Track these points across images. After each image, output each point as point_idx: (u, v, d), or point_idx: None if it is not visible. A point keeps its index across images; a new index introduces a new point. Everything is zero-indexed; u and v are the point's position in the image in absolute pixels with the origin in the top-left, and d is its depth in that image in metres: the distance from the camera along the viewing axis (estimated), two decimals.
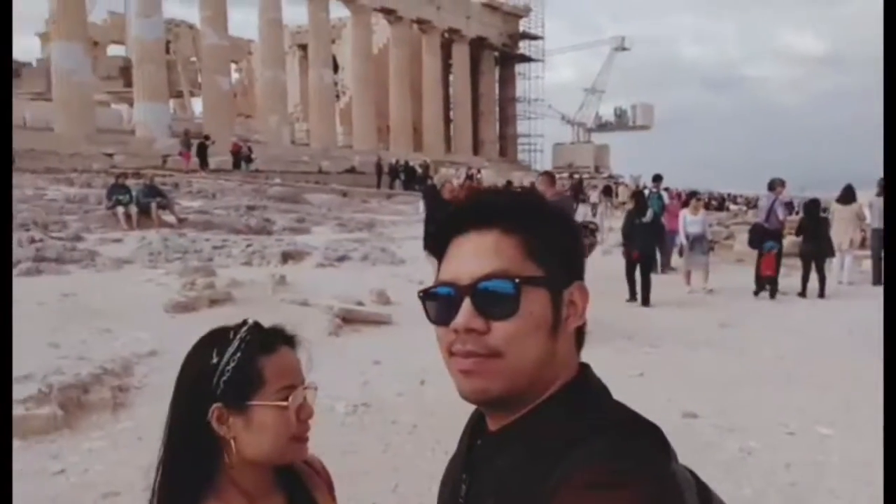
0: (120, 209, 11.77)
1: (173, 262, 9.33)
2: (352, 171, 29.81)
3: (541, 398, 0.77)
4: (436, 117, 41.34)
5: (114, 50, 40.44)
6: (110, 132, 25.97)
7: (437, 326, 0.78)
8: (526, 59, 50.96)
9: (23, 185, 13.90)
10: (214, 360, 1.03)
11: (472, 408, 0.85)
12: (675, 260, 11.96)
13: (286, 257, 10.51)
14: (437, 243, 0.81)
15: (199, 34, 31.13)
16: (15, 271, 7.97)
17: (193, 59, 37.58)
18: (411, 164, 30.00)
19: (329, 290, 8.21)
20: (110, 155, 21.79)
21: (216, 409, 1.02)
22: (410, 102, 38.88)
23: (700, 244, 9.99)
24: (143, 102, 26.31)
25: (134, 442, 4.07)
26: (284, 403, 1.02)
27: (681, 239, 10.25)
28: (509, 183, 19.04)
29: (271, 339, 1.06)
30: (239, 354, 1.03)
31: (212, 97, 29.01)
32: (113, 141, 24.08)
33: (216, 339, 1.06)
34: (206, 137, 24.54)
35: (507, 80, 50.90)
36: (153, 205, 12.17)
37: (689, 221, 10.04)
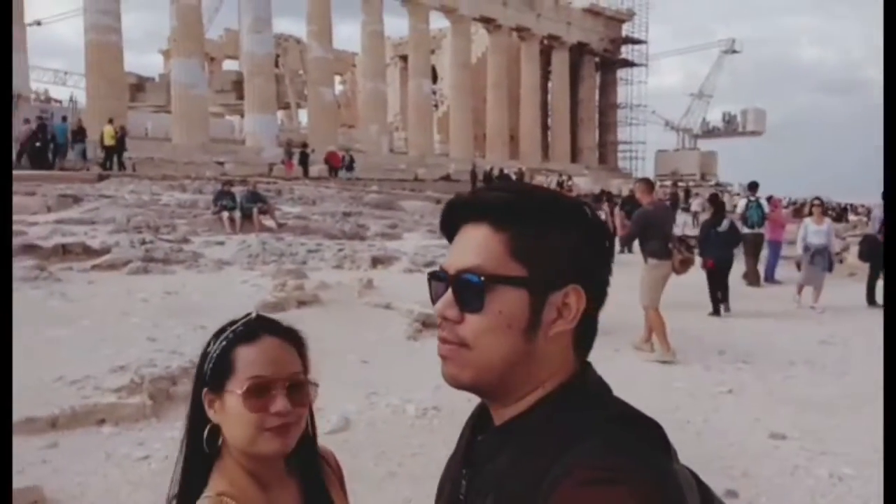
0: (224, 214, 12.44)
1: (269, 264, 9.74)
2: (447, 178, 30.12)
3: (537, 395, 0.77)
4: (533, 124, 41.11)
5: (229, 64, 42.93)
6: (223, 142, 27.55)
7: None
8: (628, 63, 49.77)
9: (140, 191, 14.97)
10: (209, 347, 1.08)
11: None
12: (780, 272, 11.28)
13: (375, 262, 10.74)
14: (446, 229, 0.82)
15: (306, 48, 32.48)
16: (125, 270, 8.59)
17: (301, 71, 39.26)
18: (505, 171, 29.96)
19: (414, 294, 8.30)
20: (221, 163, 23.09)
21: (205, 393, 1.07)
22: (507, 110, 38.88)
23: (822, 257, 9.10)
24: (253, 114, 27.72)
25: None
26: (238, 392, 1.03)
27: (798, 250, 9.43)
28: (603, 191, 18.59)
29: (253, 330, 1.07)
30: (224, 343, 1.06)
31: (316, 108, 30.19)
32: (224, 150, 25.51)
33: (219, 329, 1.10)
34: (305, 146, 25.52)
35: (608, 86, 49.91)
36: (255, 210, 12.78)
37: (811, 231, 9.23)
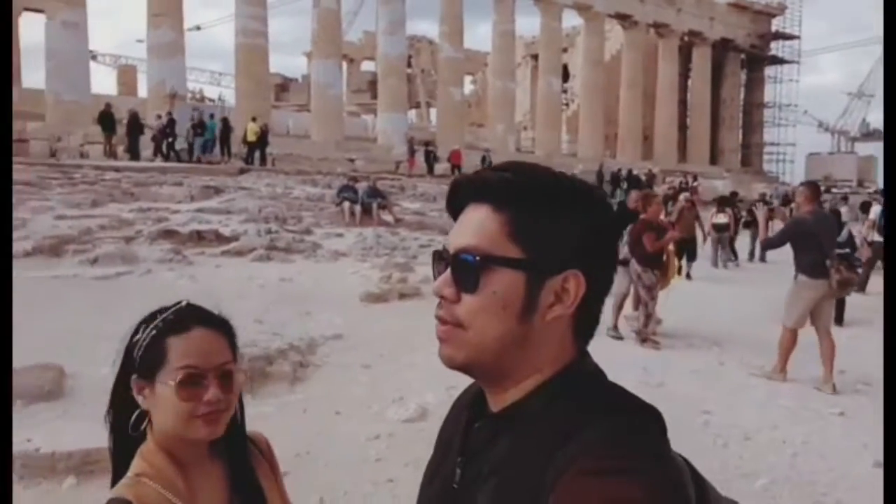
0: (345, 205, 13.03)
1: (382, 257, 10.09)
2: None
3: (535, 381, 0.77)
4: (669, 124, 39.45)
5: (366, 66, 44.71)
6: (356, 140, 28.75)
7: None
8: (778, 60, 46.46)
9: (275, 184, 15.98)
10: (138, 336, 1.10)
11: None
12: None
13: None
14: (452, 208, 0.83)
15: (438, 49, 33.16)
16: (249, 256, 9.22)
17: (432, 71, 40.16)
18: (635, 172, 28.98)
19: None
20: (353, 160, 24.12)
21: (133, 380, 1.09)
22: (642, 109, 37.58)
23: None
24: (385, 113, 28.72)
25: (298, 413, 4.53)
26: (171, 382, 1.05)
27: None
28: (734, 194, 17.51)
29: (184, 319, 1.09)
30: (154, 332, 1.08)
31: (445, 107, 30.76)
32: (357, 148, 26.62)
33: (148, 316, 1.12)
34: (428, 144, 26.06)
35: (754, 84, 46.86)
36: (374, 205, 13.27)
37: None
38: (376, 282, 8.07)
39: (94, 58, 38.27)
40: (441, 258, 0.79)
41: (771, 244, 6.36)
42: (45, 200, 11.38)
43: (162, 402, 1.06)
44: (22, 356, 4.74)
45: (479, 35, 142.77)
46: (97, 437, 3.81)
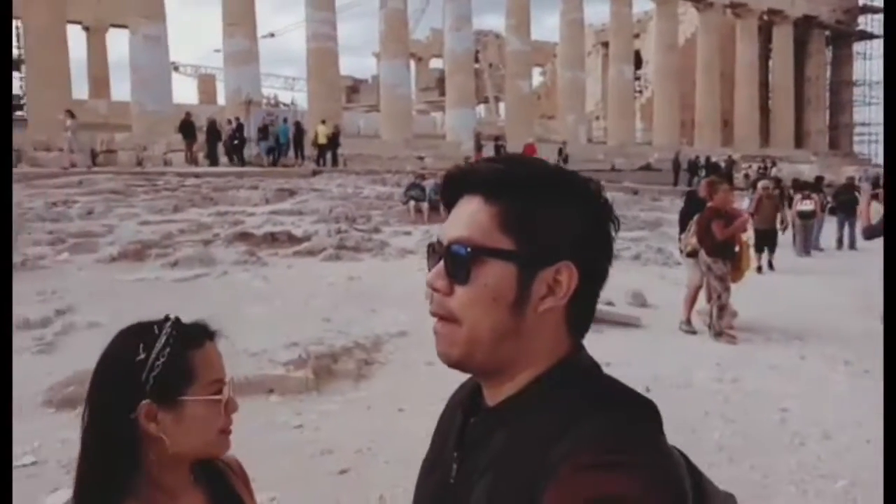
0: (412, 204, 13.14)
1: None
2: (647, 168, 28.83)
3: (530, 374, 0.76)
4: (749, 108, 37.81)
5: (434, 63, 44.93)
6: (425, 137, 28.96)
7: None
8: (867, 35, 43.76)
9: (346, 185, 16.29)
10: (142, 356, 1.00)
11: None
12: None
13: None
14: (446, 199, 0.82)
15: (505, 42, 32.95)
16: (320, 256, 9.44)
17: (499, 65, 39.94)
18: (713, 159, 27.94)
19: None
20: (422, 158, 24.29)
21: (146, 405, 0.99)
22: (720, 93, 36.17)
23: None
24: (453, 109, 28.78)
25: (363, 410, 4.59)
26: (218, 397, 1.03)
27: None
28: (819, 179, 16.60)
29: (197, 334, 1.06)
30: (168, 350, 1.01)
31: (513, 100, 30.55)
32: (426, 145, 26.80)
33: (140, 333, 1.03)
34: (498, 138, 25.90)
35: (841, 62, 44.32)
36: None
37: None
38: None
39: (175, 69, 40.07)
40: (434, 251, 0.79)
41: (874, 232, 5.78)
42: (131, 207, 12.00)
43: (193, 419, 1.02)
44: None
45: (548, 26, 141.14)
46: None
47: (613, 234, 0.79)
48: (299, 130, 20.62)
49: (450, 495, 0.80)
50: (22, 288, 7.20)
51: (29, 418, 4.30)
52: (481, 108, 37.69)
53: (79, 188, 13.47)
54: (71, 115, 17.50)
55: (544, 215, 0.75)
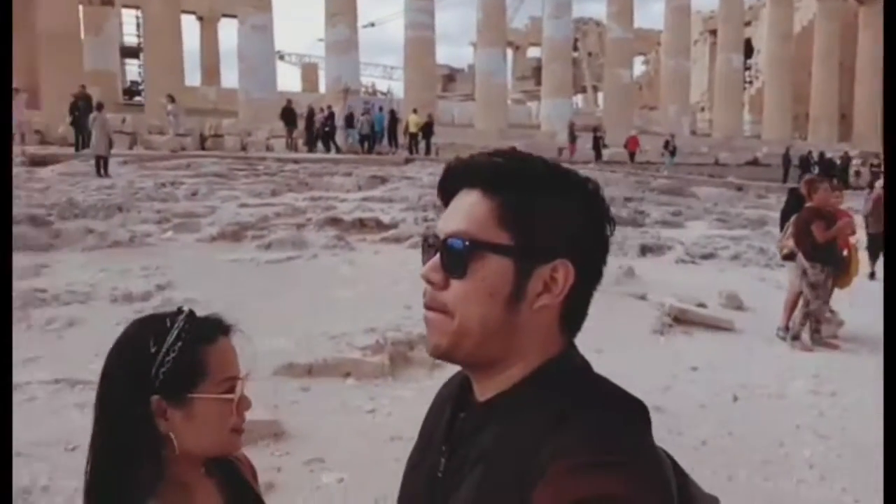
0: None
1: None
2: (754, 162, 27.39)
3: (522, 371, 0.76)
4: (871, 101, 34.99)
5: (532, 52, 44.41)
6: (519, 127, 28.72)
7: None
8: None
9: (437, 173, 16.26)
10: (152, 350, 0.97)
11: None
12: None
13: (645, 250, 10.33)
14: (443, 193, 0.82)
15: (605, 30, 32.09)
16: (406, 243, 9.53)
17: (600, 54, 38.97)
18: (828, 155, 26.17)
19: (677, 287, 7.83)
20: (514, 147, 24.09)
21: (155, 401, 0.97)
22: (838, 85, 33.79)
23: None
24: (549, 98, 28.37)
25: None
26: (230, 396, 0.99)
27: None
28: None
29: (211, 329, 1.02)
30: (179, 344, 0.97)
31: (612, 90, 29.74)
32: (520, 135, 26.54)
33: (151, 327, 1.00)
34: (597, 129, 25.23)
35: None
36: None
37: None
38: None
39: (281, 58, 41.60)
40: (429, 244, 0.78)
41: None
42: (232, 190, 12.55)
43: (203, 417, 0.98)
44: None
45: (652, 13, 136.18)
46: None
47: (609, 233, 0.78)
48: (393, 119, 20.92)
49: (437, 489, 0.80)
50: (128, 263, 7.69)
51: None
52: (578, 99, 36.94)
53: (186, 171, 14.23)
54: (171, 99, 18.48)
55: (543, 212, 0.74)
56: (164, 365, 0.96)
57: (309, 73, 40.05)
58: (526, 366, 0.76)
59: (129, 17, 30.18)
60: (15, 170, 12.57)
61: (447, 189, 0.81)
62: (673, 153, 24.15)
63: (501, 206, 0.74)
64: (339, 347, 5.14)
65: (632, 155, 24.48)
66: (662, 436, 4.11)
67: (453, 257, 0.74)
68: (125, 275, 7.17)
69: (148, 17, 24.28)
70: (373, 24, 40.20)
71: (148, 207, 10.55)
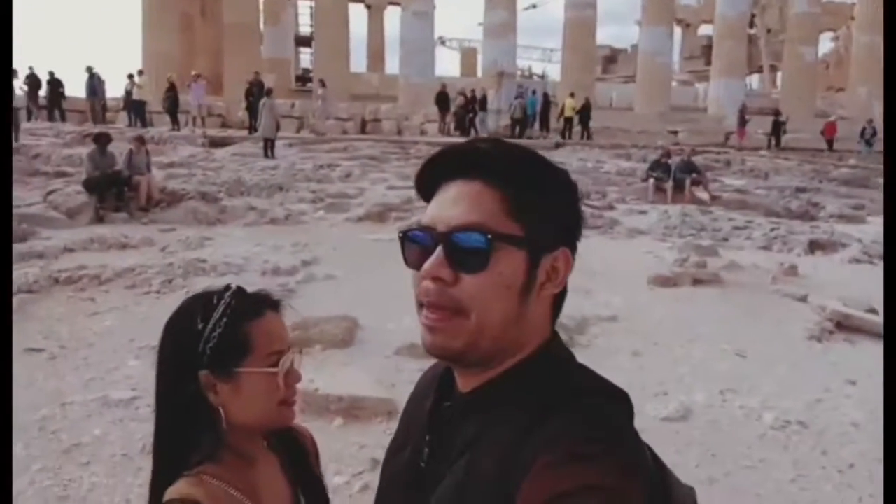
0: (651, 182, 12.40)
1: (686, 237, 9.39)
2: None
3: (512, 361, 0.76)
4: None
5: (704, 30, 41.64)
6: (683, 110, 27.13)
7: (413, 271, 0.77)
8: None
9: (587, 159, 15.93)
10: (199, 326, 1.00)
11: None
12: None
13: (814, 246, 9.36)
14: (425, 185, 0.79)
15: (787, 4, 29.31)
16: None
17: (780, 30, 35.68)
18: None
19: (848, 289, 7.01)
20: (675, 132, 22.81)
21: (204, 375, 1.00)
22: None
23: None
24: (718, 79, 26.49)
25: None
26: (274, 370, 1.01)
27: None
28: None
29: (257, 305, 1.04)
30: (225, 320, 1.00)
31: (792, 70, 27.20)
32: (683, 119, 25.10)
33: (200, 304, 1.03)
34: (777, 113, 23.15)
35: None
36: (687, 181, 12.37)
37: None
38: (670, 264, 7.54)
39: (442, 43, 42.39)
40: (418, 239, 0.75)
41: None
42: (382, 172, 13.01)
43: (250, 391, 1.00)
44: (331, 306, 5.52)
45: None
46: (368, 386, 4.23)
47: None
48: (546, 102, 20.58)
49: (420, 479, 0.79)
50: (281, 239, 8.23)
51: None
52: (753, 79, 34.17)
53: (343, 153, 14.95)
54: (322, 84, 19.39)
55: (546, 200, 0.74)
56: (211, 341, 0.99)
57: (468, 57, 40.44)
58: (519, 356, 0.76)
59: (304, 8, 32.16)
60: (194, 150, 13.91)
61: (429, 181, 0.77)
62: (870, 141, 21.52)
63: (510, 197, 0.73)
64: None
65: (830, 142, 22.16)
66: (803, 454, 3.70)
67: (468, 252, 0.71)
68: (277, 250, 7.67)
69: (319, 6, 25.72)
70: (534, 6, 39.72)
71: (305, 187, 11.21)
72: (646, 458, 0.71)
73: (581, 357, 3.30)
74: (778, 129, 22.25)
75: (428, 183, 0.78)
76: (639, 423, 2.91)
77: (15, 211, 7.95)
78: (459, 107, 19.47)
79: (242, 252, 7.45)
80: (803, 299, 6.61)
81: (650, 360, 5.03)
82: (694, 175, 12.52)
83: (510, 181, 0.73)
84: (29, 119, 13.56)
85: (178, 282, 6.29)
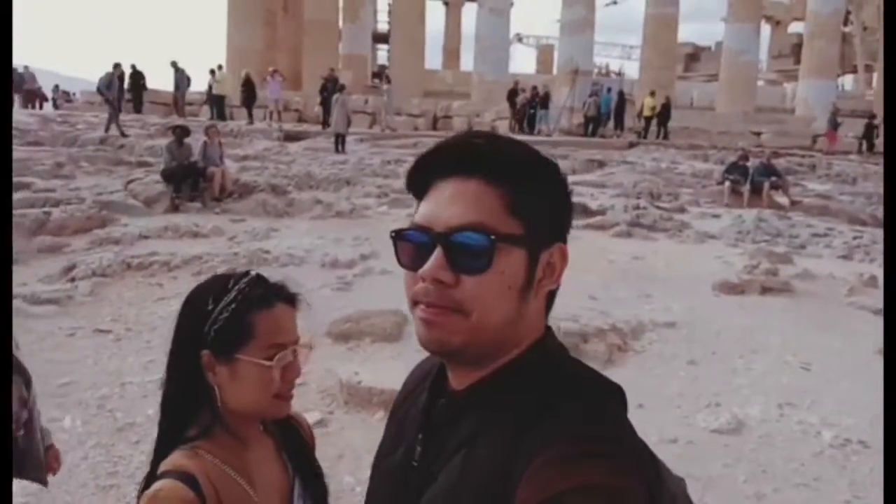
0: (727, 185, 11.92)
1: (760, 243, 9.00)
2: None
3: (507, 358, 0.75)
4: None
5: (794, 27, 39.71)
6: (768, 111, 25.97)
7: (406, 272, 0.75)
8: None
9: (661, 159, 15.47)
10: (210, 307, 1.02)
11: None
12: None
13: None
14: (417, 183, 0.77)
15: None
16: (610, 232, 9.15)
17: (878, 28, 33.58)
18: None
19: None
20: (758, 134, 21.86)
21: (205, 355, 1.02)
22: None
23: None
24: (808, 79, 25.22)
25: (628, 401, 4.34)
26: (269, 363, 1.01)
27: None
28: None
29: (269, 295, 1.04)
30: (234, 305, 1.01)
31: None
32: (767, 120, 24.01)
33: (216, 286, 1.05)
34: (872, 117, 21.84)
35: None
36: (766, 184, 11.84)
37: None
38: (738, 270, 7.24)
39: (519, 40, 42.11)
40: (406, 238, 0.74)
41: None
42: None
43: (245, 379, 1.01)
44: (384, 300, 5.57)
45: None
46: None
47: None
48: (622, 101, 20.12)
49: (413, 478, 0.77)
50: (343, 233, 8.38)
51: None
52: (846, 80, 32.35)
53: (412, 149, 15.07)
54: (388, 80, 19.53)
55: (542, 196, 0.73)
56: (217, 323, 1.01)
57: (545, 54, 39.99)
58: (514, 353, 0.75)
59: (383, 5, 32.63)
60: (269, 144, 14.34)
61: (422, 179, 0.75)
62: None
63: (509, 195, 0.71)
64: None
65: None
66: (862, 475, 3.50)
67: (471, 252, 0.70)
68: (338, 243, 7.82)
69: (396, 3, 26.02)
70: (615, 2, 38.82)
71: (371, 182, 11.37)
72: (646, 453, 0.70)
73: (633, 363, 3.29)
74: (871, 132, 20.99)
75: (421, 180, 0.76)
76: (687, 433, 2.84)
77: (97, 198, 8.41)
78: (522, 104, 19.28)
79: (305, 244, 7.63)
80: (879, 312, 6.21)
81: (706, 369, 4.85)
82: (773, 178, 11.97)
83: (509, 178, 0.72)
84: (120, 111, 14.35)
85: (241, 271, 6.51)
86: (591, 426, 0.67)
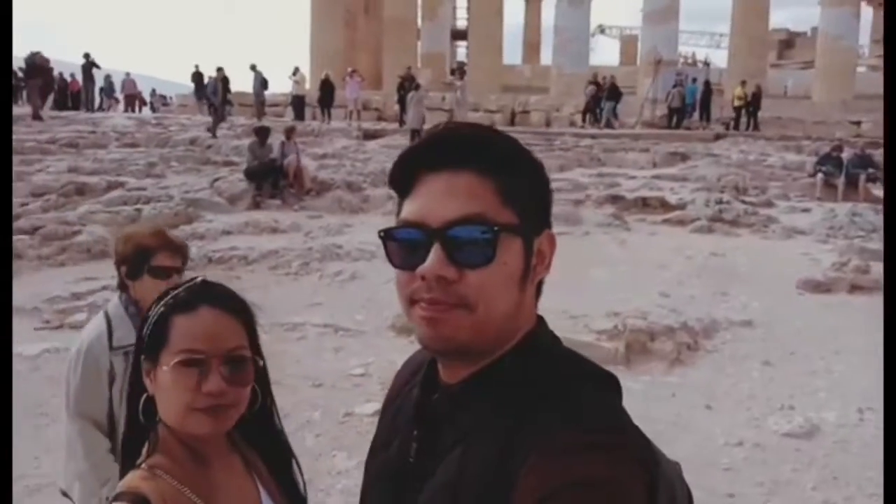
0: (820, 177, 11.26)
1: (852, 239, 8.48)
2: None
3: (501, 351, 0.73)
4: None
5: None
6: (871, 98, 24.27)
7: (400, 271, 0.73)
8: None
9: (749, 151, 14.78)
10: (150, 311, 1.00)
11: None
12: None
13: None
14: (403, 178, 0.74)
15: None
16: (689, 227, 8.84)
17: None
18: None
19: None
20: (858, 123, 20.52)
21: (143, 360, 0.98)
22: None
23: None
24: None
25: (665, 396, 4.23)
26: (165, 368, 0.94)
27: None
28: None
29: (192, 299, 0.97)
30: (161, 309, 0.97)
31: None
32: (869, 108, 22.46)
33: (163, 293, 1.02)
34: None
35: None
36: (862, 176, 11.13)
37: None
38: (826, 268, 6.85)
39: (601, 31, 41.22)
40: (397, 237, 0.72)
41: None
42: None
43: (162, 387, 0.95)
44: None
45: None
46: None
47: None
48: (707, 90, 19.36)
49: (409, 473, 0.76)
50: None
51: (374, 337, 5.11)
52: None
53: None
54: (461, 75, 19.45)
55: (531, 184, 0.74)
56: (148, 327, 0.98)
57: (628, 45, 38.97)
58: (509, 344, 0.73)
59: (462, 1, 32.68)
60: (348, 142, 14.66)
61: (407, 175, 0.73)
62: None
63: (502, 185, 0.71)
64: (577, 328, 5.02)
65: None
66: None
67: (473, 246, 0.68)
68: None
69: (473, 1, 26.03)
70: None
71: None
72: (644, 443, 0.69)
73: (704, 363, 3.22)
74: None
75: (405, 176, 0.73)
76: (755, 436, 2.75)
77: (184, 196, 8.87)
78: (590, 96, 18.85)
79: (375, 239, 7.66)
80: None
81: (782, 370, 4.63)
82: (870, 170, 11.23)
83: (499, 169, 0.71)
84: (224, 115, 15.11)
85: (314, 265, 6.71)
86: (589, 417, 0.66)
